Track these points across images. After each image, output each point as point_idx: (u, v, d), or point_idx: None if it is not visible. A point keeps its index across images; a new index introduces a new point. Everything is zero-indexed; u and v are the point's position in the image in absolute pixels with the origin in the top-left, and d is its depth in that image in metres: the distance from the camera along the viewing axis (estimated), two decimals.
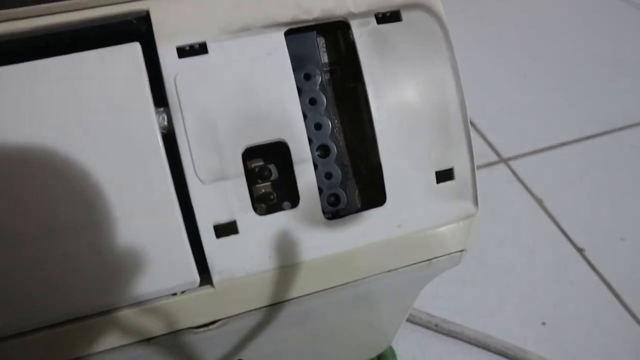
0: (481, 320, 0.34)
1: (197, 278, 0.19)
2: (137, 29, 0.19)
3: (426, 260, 0.23)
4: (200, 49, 0.19)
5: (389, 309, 0.29)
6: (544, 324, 0.35)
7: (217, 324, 0.21)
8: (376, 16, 0.20)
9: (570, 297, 0.36)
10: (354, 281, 0.22)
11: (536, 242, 0.40)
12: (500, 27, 0.67)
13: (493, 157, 0.48)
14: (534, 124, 0.51)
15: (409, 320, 0.34)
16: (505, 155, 0.48)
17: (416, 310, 0.34)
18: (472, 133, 0.52)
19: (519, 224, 0.42)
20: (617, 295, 0.37)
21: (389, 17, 0.20)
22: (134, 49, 0.18)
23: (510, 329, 0.34)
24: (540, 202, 0.44)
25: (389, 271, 0.22)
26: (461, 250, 0.24)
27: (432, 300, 0.35)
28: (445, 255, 0.24)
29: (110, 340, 0.20)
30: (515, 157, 0.48)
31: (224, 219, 0.19)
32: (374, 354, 0.32)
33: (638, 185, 0.46)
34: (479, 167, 0.47)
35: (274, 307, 0.22)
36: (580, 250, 0.40)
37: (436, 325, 0.34)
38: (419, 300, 0.30)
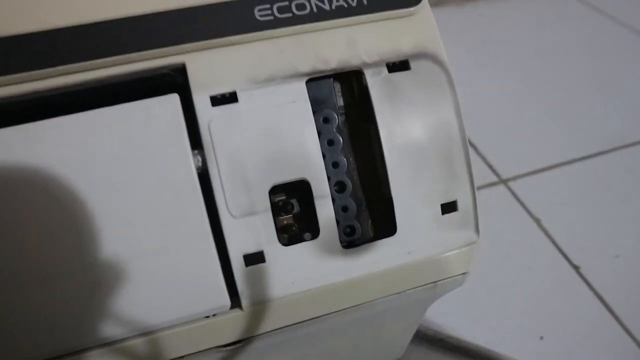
0: (483, 335, 0.36)
1: (229, 303, 0.21)
2: (174, 80, 0.21)
3: (432, 283, 0.25)
4: (231, 98, 0.21)
5: (399, 326, 0.30)
6: (542, 338, 0.37)
7: (242, 342, 0.23)
8: (387, 65, 0.22)
9: (567, 312, 0.38)
10: (368, 302, 0.24)
11: (534, 259, 0.42)
12: (499, 54, 0.69)
13: (493, 178, 0.50)
14: (532, 145, 0.53)
15: (416, 336, 0.36)
16: (504, 176, 0.50)
17: (423, 327, 0.36)
18: (473, 155, 0.54)
19: (517, 243, 0.43)
20: (610, 311, 0.38)
21: (398, 66, 0.22)
22: (174, 100, 0.20)
23: (510, 343, 0.36)
24: (537, 222, 0.45)
25: (399, 293, 0.24)
26: (464, 273, 0.26)
27: (438, 317, 0.37)
28: (449, 277, 0.25)
29: (151, 357, 0.22)
30: (514, 178, 0.49)
31: (252, 249, 0.21)
32: None
33: (632, 204, 0.48)
34: (480, 187, 0.49)
35: (295, 326, 0.24)
36: (576, 268, 0.42)
37: (441, 340, 0.35)
38: (425, 317, 0.32)
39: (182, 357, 0.23)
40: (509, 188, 0.49)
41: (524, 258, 0.42)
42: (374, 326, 0.28)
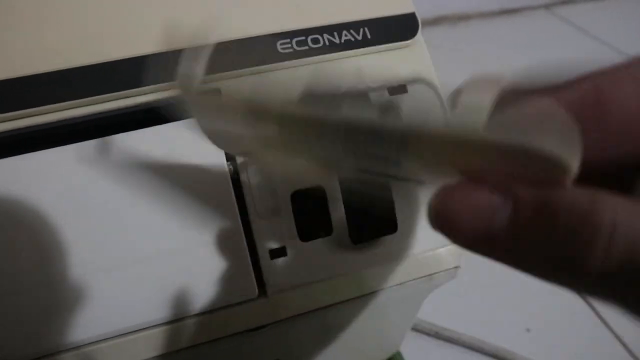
0: (474, 328, 0.39)
1: (256, 291, 0.25)
2: None
3: (428, 275, 0.29)
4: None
5: (398, 317, 0.34)
6: (528, 330, 0.41)
7: (266, 327, 0.27)
8: (388, 89, 0.26)
9: (551, 307, 0.42)
10: (372, 292, 0.28)
11: None
12: (491, 69, 0.73)
13: None
14: None
15: (413, 329, 0.39)
16: None
17: (419, 320, 0.39)
18: None
19: None
20: (590, 305, 0.42)
21: (397, 89, 0.26)
22: None
23: (500, 334, 0.39)
24: None
25: (400, 284, 0.28)
26: (456, 267, 0.29)
27: (433, 311, 0.40)
28: (443, 271, 0.29)
29: (190, 339, 0.25)
30: None
31: (276, 245, 0.24)
32: (385, 357, 0.37)
33: None
34: None
35: (311, 313, 0.27)
36: None
37: (437, 333, 0.39)
38: (421, 312, 0.35)
39: (217, 339, 0.26)
40: None
41: None
42: (376, 316, 0.31)
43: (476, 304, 0.42)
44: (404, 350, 0.38)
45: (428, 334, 0.39)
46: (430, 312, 0.39)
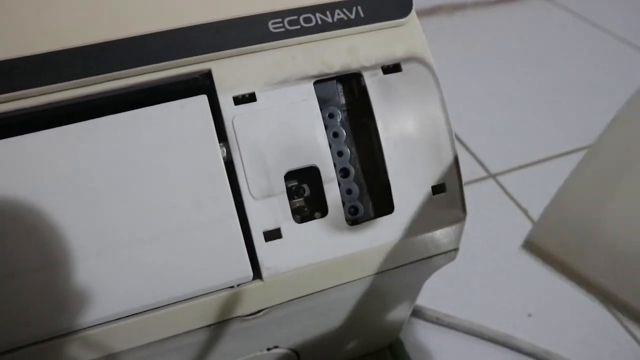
0: (476, 314, 0.39)
1: (251, 273, 0.24)
2: (202, 84, 0.24)
3: (427, 258, 0.28)
4: (250, 98, 0.24)
5: (397, 302, 0.33)
6: (530, 315, 0.40)
7: (262, 312, 0.26)
8: (382, 68, 0.25)
9: (552, 292, 0.41)
10: (370, 275, 0.27)
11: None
12: (487, 58, 0.72)
13: (482, 174, 0.53)
14: (519, 142, 0.56)
15: (413, 316, 0.39)
16: (493, 171, 0.53)
17: (420, 307, 0.39)
18: (464, 152, 0.58)
19: (506, 231, 0.46)
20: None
21: (392, 68, 0.25)
22: (203, 100, 0.23)
23: (500, 320, 0.39)
24: (525, 212, 0.48)
25: (399, 267, 0.27)
26: (455, 249, 0.29)
27: (434, 298, 0.40)
28: (442, 253, 0.28)
29: (183, 325, 0.25)
30: (502, 173, 0.53)
31: (271, 226, 0.24)
32: (386, 343, 0.37)
33: None
34: (470, 182, 0.52)
35: (308, 297, 0.27)
36: None
37: (437, 319, 0.38)
38: (422, 298, 0.35)
39: (210, 325, 0.26)
40: (497, 182, 0.52)
41: (512, 244, 0.45)
42: (376, 300, 0.31)
43: (477, 290, 0.41)
44: (404, 337, 0.38)
45: (429, 320, 0.39)
46: (431, 298, 0.39)
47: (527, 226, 0.48)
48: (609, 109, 0.65)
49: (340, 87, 0.26)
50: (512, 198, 0.50)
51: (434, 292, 0.39)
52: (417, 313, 0.39)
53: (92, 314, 0.22)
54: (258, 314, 0.26)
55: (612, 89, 0.66)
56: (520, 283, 0.42)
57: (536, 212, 0.49)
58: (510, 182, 0.52)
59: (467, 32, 0.77)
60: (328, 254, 0.25)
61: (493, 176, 0.53)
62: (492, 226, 0.47)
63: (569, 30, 0.79)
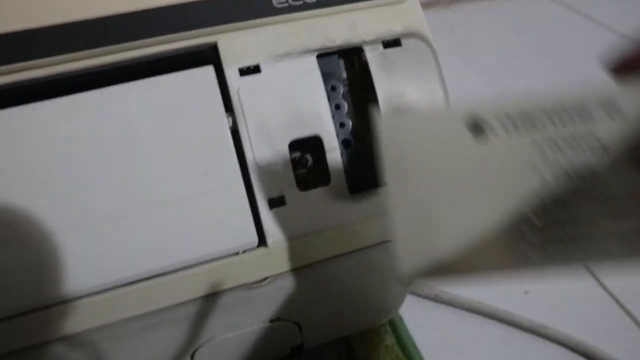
0: (474, 291, 0.40)
1: (256, 239, 0.25)
2: (208, 56, 0.25)
3: None
4: (255, 70, 0.24)
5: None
6: (526, 292, 0.41)
7: (267, 280, 0.27)
8: (382, 43, 0.26)
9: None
10: (372, 245, 0.28)
11: None
12: (483, 51, 0.73)
13: None
14: None
15: (412, 293, 0.40)
16: None
17: (418, 283, 0.40)
18: None
19: None
20: (587, 268, 0.42)
21: (392, 43, 0.26)
22: (209, 70, 0.24)
23: (499, 297, 0.40)
24: None
25: None
26: None
27: None
28: None
29: (188, 292, 0.25)
30: None
31: (275, 194, 0.25)
32: (385, 320, 0.38)
33: None
34: None
35: (311, 266, 0.27)
36: None
37: (436, 296, 0.39)
38: None
39: (215, 293, 0.26)
40: None
41: None
42: (376, 273, 0.32)
43: None
44: (404, 313, 0.38)
45: (427, 297, 0.39)
46: None
47: None
48: None
49: (342, 62, 0.27)
50: None
51: None
52: (416, 290, 0.40)
53: (97, 280, 0.23)
54: (263, 282, 0.26)
55: (607, 81, 0.67)
56: None
57: None
58: None
59: (463, 25, 0.78)
60: (331, 222, 0.26)
61: None
62: None
63: (565, 24, 0.80)
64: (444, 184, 0.17)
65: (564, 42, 0.75)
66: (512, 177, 0.16)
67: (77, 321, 0.23)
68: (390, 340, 0.37)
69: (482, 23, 0.80)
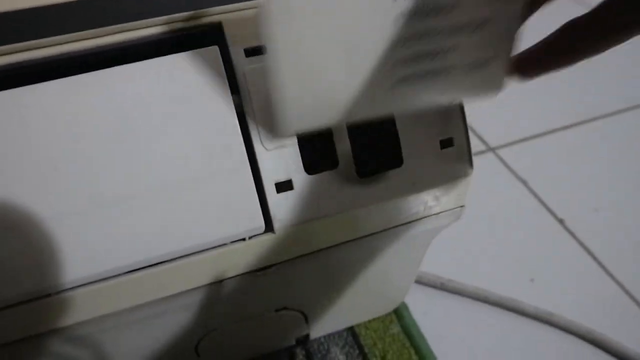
0: (480, 279, 0.39)
1: (263, 224, 0.24)
2: (213, 36, 0.24)
3: (434, 214, 0.28)
4: (261, 50, 0.24)
5: (403, 262, 0.34)
6: (532, 280, 0.41)
7: (273, 267, 0.26)
8: None
9: (554, 258, 0.42)
10: (379, 232, 0.27)
11: (522, 215, 0.45)
12: None
13: (482, 147, 0.53)
14: (518, 116, 0.56)
15: (418, 282, 0.39)
16: (492, 144, 0.53)
17: (424, 272, 0.39)
18: None
19: (507, 201, 0.47)
20: (592, 256, 0.42)
21: None
22: (215, 50, 0.23)
23: (504, 285, 0.39)
24: (524, 183, 0.49)
25: (406, 223, 0.28)
26: (461, 206, 0.29)
27: (438, 264, 0.40)
28: (449, 210, 0.29)
29: (194, 280, 0.25)
30: (501, 146, 0.53)
31: (282, 177, 0.24)
32: (391, 309, 0.37)
33: (608, 166, 0.52)
34: None
35: (318, 254, 0.27)
36: (560, 221, 0.45)
37: (442, 284, 0.39)
38: (426, 264, 0.35)
39: (221, 281, 0.26)
40: (497, 155, 0.52)
41: (513, 214, 0.46)
42: (383, 261, 0.31)
43: (480, 256, 0.42)
44: (410, 302, 0.38)
45: (433, 286, 0.39)
46: (435, 264, 0.39)
47: (527, 197, 0.48)
48: (604, 85, 0.66)
49: None
50: (511, 170, 0.50)
51: (438, 258, 0.39)
52: (421, 279, 0.39)
53: (98, 267, 0.22)
54: (269, 269, 0.26)
55: (606, 65, 0.67)
56: (522, 250, 0.43)
57: (535, 183, 0.49)
58: (509, 155, 0.52)
59: None
60: (339, 207, 0.25)
61: (493, 149, 0.53)
62: (492, 197, 0.47)
63: (567, 11, 0.79)
64: (324, 35, 0.18)
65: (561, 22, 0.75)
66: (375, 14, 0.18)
67: (78, 310, 0.22)
68: (396, 329, 0.37)
69: None
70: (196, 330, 0.29)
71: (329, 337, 0.36)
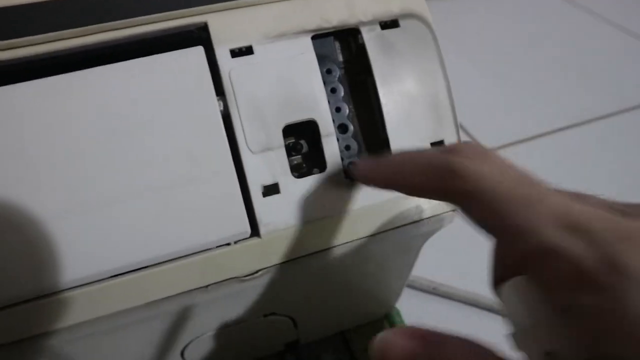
0: (472, 284, 0.39)
1: (249, 229, 0.23)
2: (198, 37, 0.24)
3: (426, 218, 0.28)
4: (247, 51, 0.23)
5: (395, 267, 0.33)
6: None
7: (260, 272, 0.26)
8: (380, 24, 0.25)
9: None
10: (369, 236, 0.27)
11: None
12: (479, 42, 0.72)
13: None
14: (510, 120, 0.56)
15: (410, 286, 0.39)
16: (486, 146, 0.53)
17: (416, 277, 0.39)
18: None
19: None
20: None
21: (389, 24, 0.25)
22: (199, 51, 0.23)
23: None
24: None
25: (398, 227, 0.27)
26: (454, 210, 0.29)
27: (430, 268, 0.39)
28: (441, 214, 0.28)
29: (178, 286, 0.24)
30: (495, 149, 0.53)
31: (268, 181, 0.23)
32: (383, 313, 0.37)
33: (599, 168, 0.52)
34: None
35: (305, 259, 0.26)
36: None
37: (434, 289, 0.38)
38: (419, 269, 0.34)
39: (207, 286, 0.25)
40: None
41: None
42: (373, 266, 0.30)
43: (473, 260, 0.41)
44: (402, 307, 0.37)
45: (425, 291, 0.39)
46: (427, 268, 0.39)
47: None
48: (596, 88, 0.65)
49: (338, 44, 0.25)
50: None
51: (430, 262, 0.39)
52: (413, 283, 0.39)
53: (79, 272, 0.21)
54: (256, 275, 0.25)
55: (599, 69, 0.67)
56: None
57: None
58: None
59: (459, 17, 0.77)
60: (327, 210, 0.24)
61: None
62: None
63: (558, 13, 0.79)
64: None
65: (558, 31, 0.75)
66: None
67: (58, 317, 0.22)
68: None
69: (477, 14, 0.79)
70: (182, 336, 0.29)
71: (319, 342, 0.36)
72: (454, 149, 0.16)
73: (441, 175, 0.16)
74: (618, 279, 0.13)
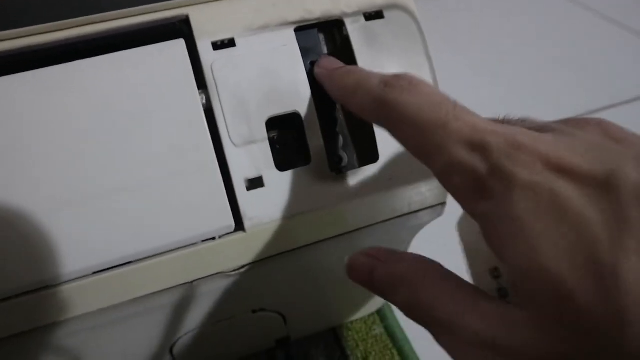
0: (462, 277, 0.38)
1: (233, 223, 0.23)
2: (179, 30, 0.23)
3: (414, 212, 0.27)
4: (229, 43, 0.23)
5: None
6: None
7: (245, 267, 0.25)
8: (364, 15, 0.25)
9: None
10: (356, 230, 0.26)
11: None
12: (473, 39, 0.72)
13: None
14: (503, 112, 0.56)
15: None
16: None
17: None
18: None
19: None
20: None
21: (374, 15, 0.25)
22: (180, 44, 0.22)
23: None
24: None
25: (385, 221, 0.27)
26: (442, 204, 0.28)
27: None
28: (429, 207, 0.28)
29: (162, 282, 0.24)
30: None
31: (252, 174, 0.23)
32: (374, 309, 0.36)
33: None
34: None
35: (292, 253, 0.26)
36: None
37: None
38: None
39: (192, 282, 0.25)
40: None
41: None
42: None
43: (463, 253, 0.41)
44: None
45: None
46: None
47: None
48: (591, 84, 0.65)
49: (321, 36, 0.25)
50: None
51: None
52: None
53: (63, 268, 0.21)
54: (241, 270, 0.25)
55: (594, 65, 0.66)
56: None
57: None
58: None
59: (452, 14, 0.77)
60: (313, 204, 0.24)
61: None
62: None
63: (555, 10, 0.79)
64: None
65: (552, 26, 0.75)
66: None
67: (37, 315, 0.21)
68: (379, 329, 0.36)
69: (471, 10, 0.79)
70: (169, 333, 0.28)
71: (310, 338, 0.36)
72: (390, 82, 0.18)
73: (376, 105, 0.18)
74: (504, 185, 0.14)
